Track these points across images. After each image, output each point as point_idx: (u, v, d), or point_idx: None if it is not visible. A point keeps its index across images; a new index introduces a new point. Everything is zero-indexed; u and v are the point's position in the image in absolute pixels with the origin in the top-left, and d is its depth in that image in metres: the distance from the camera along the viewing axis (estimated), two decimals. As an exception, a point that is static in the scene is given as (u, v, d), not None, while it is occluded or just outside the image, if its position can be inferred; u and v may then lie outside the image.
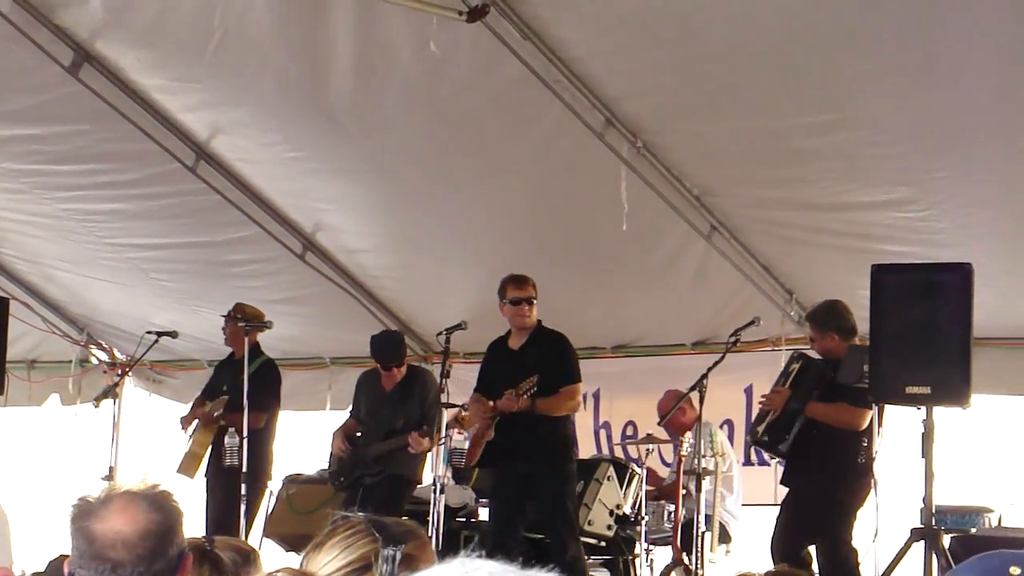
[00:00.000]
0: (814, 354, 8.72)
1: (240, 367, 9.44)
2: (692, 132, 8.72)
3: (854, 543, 8.17)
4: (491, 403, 8.64)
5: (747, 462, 10.34)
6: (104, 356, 13.32)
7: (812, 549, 8.31)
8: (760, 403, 8.77)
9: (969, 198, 8.35)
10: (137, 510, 2.88)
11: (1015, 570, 1.65)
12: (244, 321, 9.88)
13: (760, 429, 8.60)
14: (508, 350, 8.81)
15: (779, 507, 8.60)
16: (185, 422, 10.41)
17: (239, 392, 9.45)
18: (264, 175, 10.24)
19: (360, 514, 3.21)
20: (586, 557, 8.93)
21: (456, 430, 9.17)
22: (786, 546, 8.22)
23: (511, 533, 8.62)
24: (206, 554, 3.17)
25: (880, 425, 8.13)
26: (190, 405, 10.77)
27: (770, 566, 8.28)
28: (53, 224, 11.17)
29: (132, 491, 2.93)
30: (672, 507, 9.41)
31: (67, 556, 2.94)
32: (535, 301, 8.66)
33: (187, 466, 10.19)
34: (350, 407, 10.30)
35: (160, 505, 2.92)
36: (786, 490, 8.68)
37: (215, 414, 10.09)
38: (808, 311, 8.74)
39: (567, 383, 8.63)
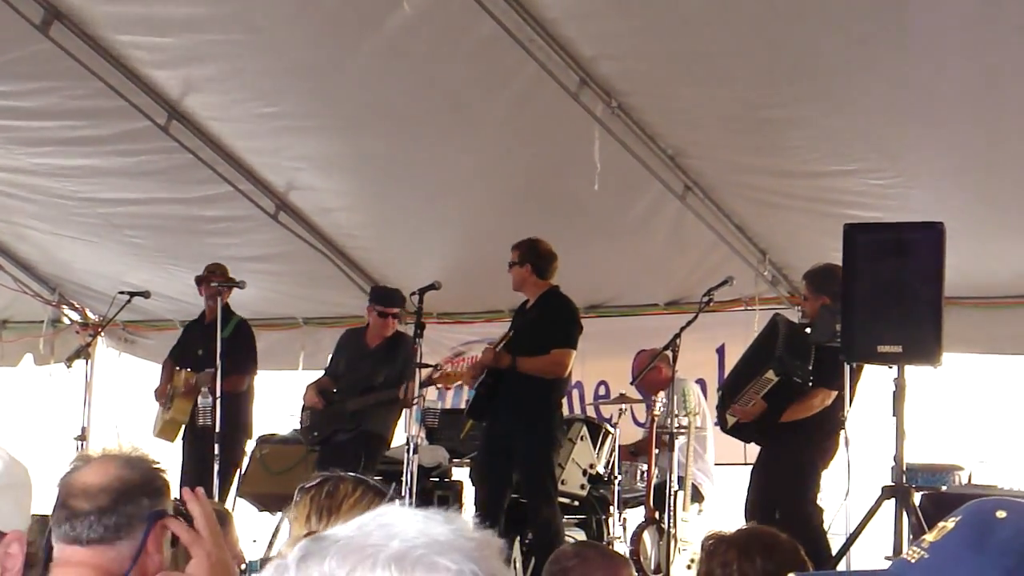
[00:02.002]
0: (793, 316, 8.74)
1: (213, 330, 9.41)
2: (667, 95, 8.71)
3: (822, 502, 8.22)
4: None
5: (719, 422, 10.37)
6: (76, 316, 13.27)
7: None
8: (732, 413, 8.63)
9: (939, 165, 8.38)
10: (111, 466, 2.92)
11: (1001, 513, 1.68)
12: (218, 280, 9.86)
13: (729, 420, 8.57)
14: (522, 311, 9.04)
15: (751, 469, 8.62)
16: (160, 393, 10.36)
17: (215, 354, 9.41)
18: (237, 133, 10.17)
19: (349, 474, 3.26)
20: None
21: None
22: (760, 509, 8.25)
23: (498, 509, 8.72)
24: (178, 514, 3.17)
25: (854, 390, 8.16)
26: (160, 369, 10.68)
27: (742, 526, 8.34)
28: (24, 181, 11.10)
29: (113, 452, 2.98)
30: (645, 467, 9.45)
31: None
32: (514, 265, 8.83)
33: (167, 431, 10.18)
34: (326, 365, 10.28)
35: (133, 464, 2.95)
36: (756, 449, 8.71)
37: (201, 389, 10.02)
38: (808, 269, 8.63)
39: (555, 346, 8.70)
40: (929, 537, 1.70)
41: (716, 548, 3.83)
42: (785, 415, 8.23)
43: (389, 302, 9.75)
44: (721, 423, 8.80)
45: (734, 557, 3.76)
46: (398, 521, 1.33)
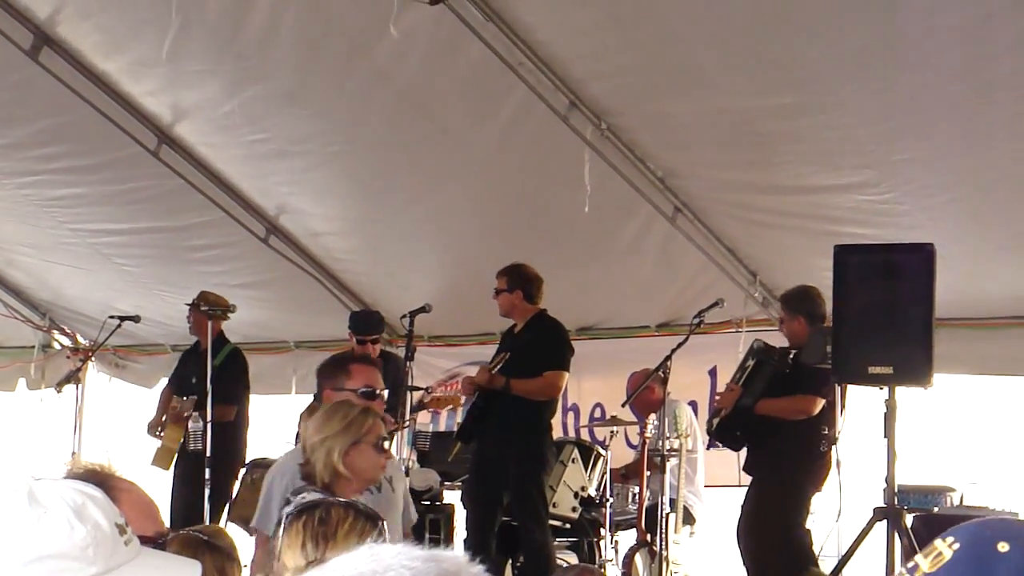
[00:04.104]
0: (777, 339, 8.75)
1: (207, 358, 9.37)
2: (656, 114, 8.71)
3: (815, 523, 8.21)
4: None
5: (712, 444, 10.36)
6: (67, 341, 13.25)
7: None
8: (715, 402, 8.84)
9: (931, 180, 8.36)
10: None
11: (1003, 546, 1.57)
12: (208, 307, 9.83)
13: (714, 423, 8.67)
14: (512, 334, 9.06)
15: (744, 495, 8.61)
16: (152, 427, 10.29)
17: (207, 382, 9.36)
18: (227, 159, 10.18)
19: (338, 499, 3.26)
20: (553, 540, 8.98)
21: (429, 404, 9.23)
22: (749, 534, 8.27)
23: (489, 531, 8.71)
24: (206, 544, 3.18)
25: (843, 407, 8.17)
26: (158, 398, 10.61)
27: (735, 549, 8.35)
28: (15, 208, 11.10)
29: None
30: (636, 489, 9.43)
31: None
32: (502, 292, 8.86)
33: (161, 459, 10.15)
34: (316, 391, 10.23)
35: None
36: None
37: (184, 415, 9.99)
38: (783, 292, 8.75)
39: (549, 368, 8.69)
40: (924, 566, 1.58)
41: None
42: (761, 407, 8.26)
43: (366, 330, 9.65)
44: (708, 428, 8.89)
45: None
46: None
